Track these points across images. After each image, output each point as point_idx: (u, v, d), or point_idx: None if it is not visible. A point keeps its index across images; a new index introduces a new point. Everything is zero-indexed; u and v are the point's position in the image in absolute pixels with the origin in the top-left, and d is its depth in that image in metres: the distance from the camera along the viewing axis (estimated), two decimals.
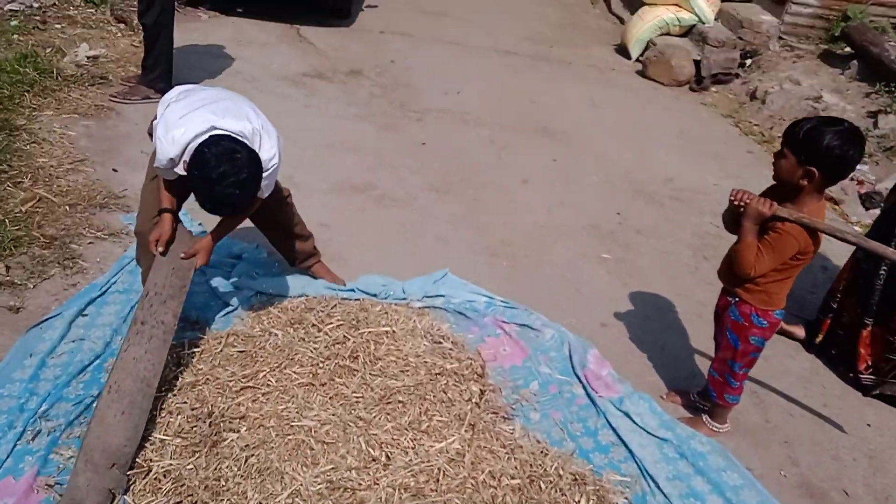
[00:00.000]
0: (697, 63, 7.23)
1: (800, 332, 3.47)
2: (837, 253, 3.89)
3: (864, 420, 3.01)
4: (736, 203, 2.41)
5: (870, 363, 3.16)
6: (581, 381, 2.96)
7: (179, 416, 2.40)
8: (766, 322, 2.54)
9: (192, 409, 2.43)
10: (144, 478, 2.19)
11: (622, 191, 4.75)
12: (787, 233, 2.35)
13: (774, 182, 2.47)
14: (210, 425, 2.36)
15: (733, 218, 2.54)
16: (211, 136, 2.34)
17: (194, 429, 2.36)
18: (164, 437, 2.31)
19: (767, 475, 2.66)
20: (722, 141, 5.78)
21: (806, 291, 3.75)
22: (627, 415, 2.79)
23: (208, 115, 2.40)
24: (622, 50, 7.89)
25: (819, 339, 3.37)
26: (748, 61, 7.45)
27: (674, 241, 4.16)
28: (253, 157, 2.36)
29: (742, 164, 5.39)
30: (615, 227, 4.29)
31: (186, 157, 2.37)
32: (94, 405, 2.35)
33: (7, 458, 2.20)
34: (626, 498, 2.45)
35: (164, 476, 2.20)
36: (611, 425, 2.75)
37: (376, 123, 5.13)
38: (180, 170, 2.41)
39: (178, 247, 2.61)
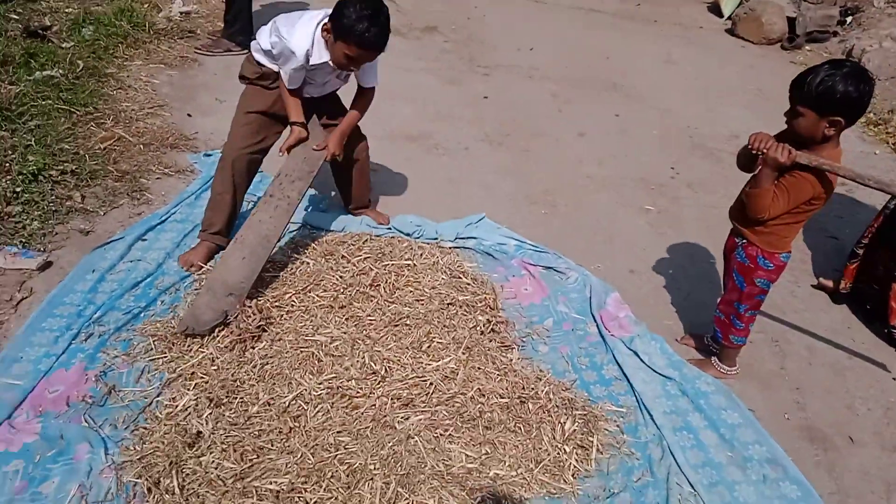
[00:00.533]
0: (792, 21, 6.90)
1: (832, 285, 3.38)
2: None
3: (890, 374, 2.93)
4: (754, 150, 2.40)
5: None
6: (595, 321, 3.04)
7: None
8: (772, 264, 2.54)
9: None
10: (175, 379, 2.48)
11: (682, 145, 4.69)
12: (803, 178, 2.32)
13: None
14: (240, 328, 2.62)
15: (748, 161, 2.53)
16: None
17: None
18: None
19: (769, 418, 2.66)
20: None
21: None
22: (636, 353, 2.86)
23: (312, 12, 2.81)
24: (715, 8, 7.63)
25: (844, 285, 3.28)
26: (849, 19, 7.04)
27: (723, 196, 4.09)
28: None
29: None
30: (666, 180, 4.27)
31: (314, 52, 2.73)
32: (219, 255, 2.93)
33: (62, 354, 2.55)
34: (617, 425, 2.54)
35: (192, 376, 2.48)
36: (616, 362, 2.83)
37: (442, 77, 5.27)
38: (316, 58, 2.74)
39: (311, 142, 3.03)
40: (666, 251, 3.59)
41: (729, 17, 7.30)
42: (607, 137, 4.71)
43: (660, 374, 2.79)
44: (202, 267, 3.02)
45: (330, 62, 2.78)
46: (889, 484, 2.47)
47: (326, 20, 2.71)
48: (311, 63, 2.76)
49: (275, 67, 2.90)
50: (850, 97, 2.19)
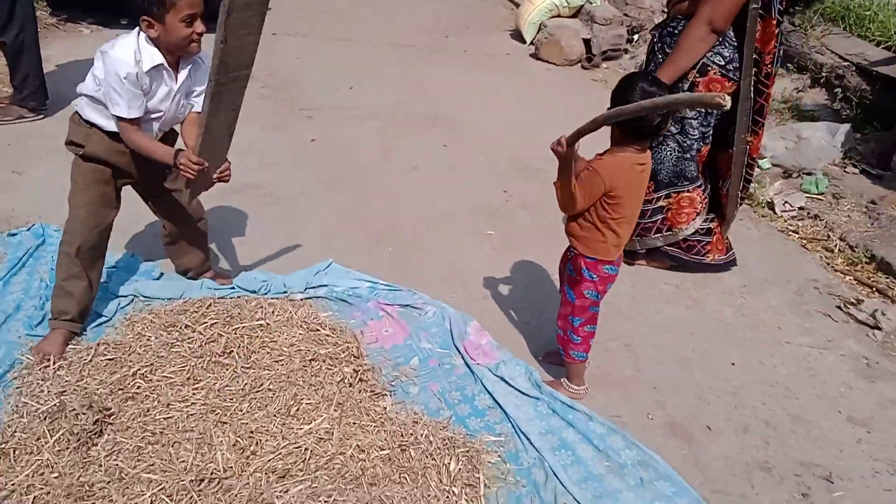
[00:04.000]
0: (588, 42, 7.43)
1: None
2: None
3: (728, 360, 3.17)
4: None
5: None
6: (460, 352, 3.03)
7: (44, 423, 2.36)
8: (596, 275, 2.65)
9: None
10: (8, 497, 2.16)
11: (509, 170, 4.86)
12: (594, 171, 2.46)
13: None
14: (74, 434, 2.34)
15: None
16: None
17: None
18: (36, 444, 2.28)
19: (635, 420, 2.78)
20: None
21: None
22: (503, 379, 2.88)
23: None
24: (517, 35, 8.03)
25: None
26: (635, 37, 7.69)
27: (556, 214, 4.26)
28: None
29: None
30: (501, 204, 4.40)
31: (142, 58, 2.47)
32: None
33: None
34: (499, 456, 2.53)
35: (28, 489, 2.17)
36: (487, 390, 2.83)
37: (263, 124, 5.12)
38: (148, 61, 2.48)
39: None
40: (512, 275, 3.68)
41: (531, 43, 7.72)
42: (439, 169, 4.78)
43: (527, 395, 2.82)
44: (61, 355, 2.71)
45: (165, 63, 2.54)
46: (748, 464, 2.65)
47: (141, 24, 2.46)
48: (144, 69, 2.48)
49: (109, 124, 2.62)
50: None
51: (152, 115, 2.67)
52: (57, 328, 2.77)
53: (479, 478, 2.37)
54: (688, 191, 3.53)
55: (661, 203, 3.58)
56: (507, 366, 2.95)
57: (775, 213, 4.49)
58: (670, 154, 3.46)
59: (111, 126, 2.62)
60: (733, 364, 3.14)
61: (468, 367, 2.96)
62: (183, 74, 2.67)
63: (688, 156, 3.45)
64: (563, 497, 2.38)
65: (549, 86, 6.73)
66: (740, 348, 3.25)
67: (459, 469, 2.37)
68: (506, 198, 4.48)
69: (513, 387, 2.84)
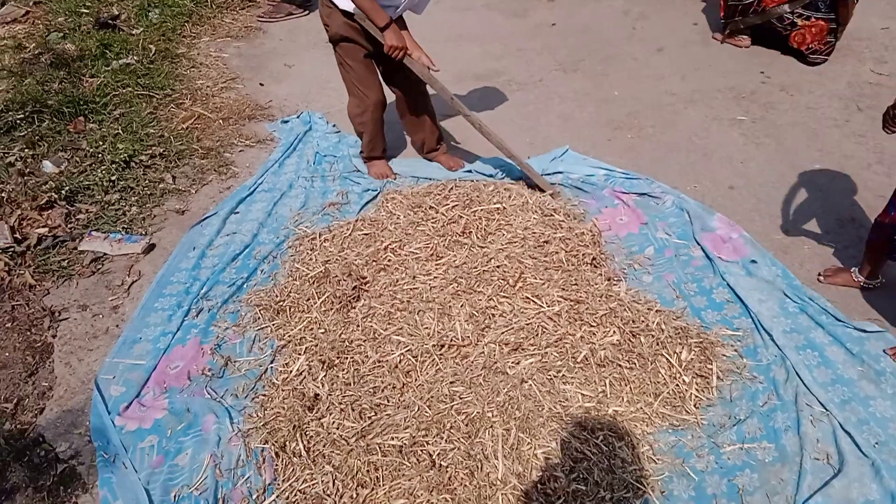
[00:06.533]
0: None
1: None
2: None
3: None
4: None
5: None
6: (699, 244, 2.91)
7: (313, 286, 2.71)
8: None
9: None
10: (285, 345, 2.54)
11: (766, 50, 4.38)
12: None
13: None
14: (337, 297, 2.65)
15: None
16: None
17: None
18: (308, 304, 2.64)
19: None
20: None
21: None
22: (751, 274, 2.73)
23: None
24: None
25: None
26: None
27: (822, 95, 3.81)
28: None
29: None
30: (757, 86, 4.01)
31: None
32: None
33: (178, 331, 2.64)
34: (735, 350, 2.44)
35: (301, 341, 2.53)
36: (728, 284, 2.71)
37: (505, 10, 5.09)
38: None
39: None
40: (765, 162, 3.39)
41: None
42: (687, 49, 4.45)
43: (779, 291, 2.65)
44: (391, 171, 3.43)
45: None
46: None
47: None
48: None
49: (344, 2, 2.84)
50: None
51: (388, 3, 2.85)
52: (376, 159, 3.45)
53: (711, 369, 2.31)
54: None
55: None
56: (763, 263, 2.78)
57: None
58: None
59: (344, 4, 2.83)
60: None
61: (708, 259, 2.84)
62: None
63: None
64: (805, 397, 2.25)
65: None
66: None
67: (691, 359, 2.33)
68: (762, 79, 4.06)
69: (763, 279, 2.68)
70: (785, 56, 4.27)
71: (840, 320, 2.53)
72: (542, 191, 3.16)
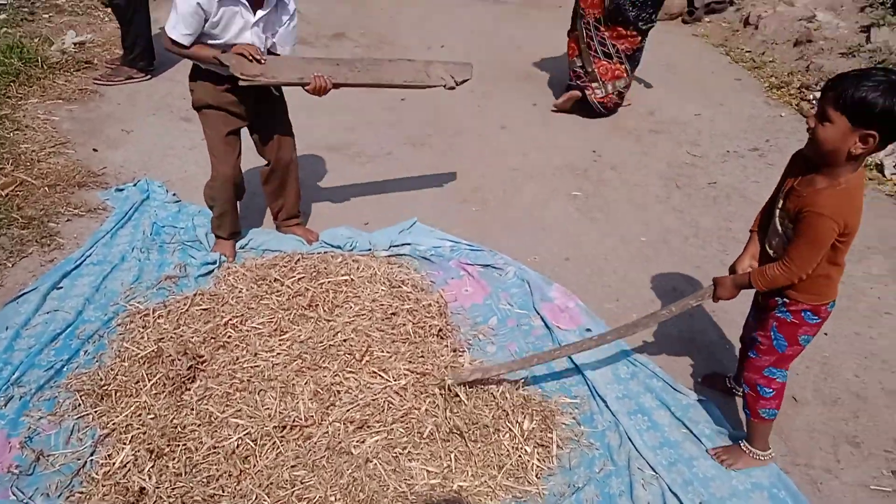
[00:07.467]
0: None
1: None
2: None
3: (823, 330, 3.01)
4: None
5: None
6: (539, 314, 3.03)
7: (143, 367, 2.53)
8: (819, 317, 2.17)
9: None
10: (109, 434, 2.34)
11: (602, 129, 4.74)
12: (818, 215, 1.93)
13: (805, 152, 2.03)
14: (169, 378, 2.49)
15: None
16: None
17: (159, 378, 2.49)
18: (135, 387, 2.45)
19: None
20: (709, 70, 5.67)
21: None
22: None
23: None
24: None
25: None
26: None
27: (647, 174, 4.16)
28: None
29: (727, 91, 5.30)
30: (590, 164, 4.30)
31: None
32: None
33: None
34: (573, 418, 2.53)
35: (127, 428, 2.34)
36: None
37: None
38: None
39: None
40: (597, 235, 3.62)
41: None
42: (528, 128, 4.72)
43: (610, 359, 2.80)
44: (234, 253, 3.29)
45: None
46: (834, 438, 2.53)
47: None
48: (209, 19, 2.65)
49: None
50: (892, 111, 1.79)
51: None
52: (224, 239, 3.28)
53: (552, 438, 2.38)
54: None
55: None
56: (595, 330, 2.92)
57: (884, 175, 4.19)
58: None
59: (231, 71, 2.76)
60: (826, 334, 2.98)
61: (548, 328, 2.95)
62: (263, 11, 2.77)
63: None
64: (637, 461, 2.36)
65: (649, 41, 6.46)
66: (834, 318, 3.06)
67: (533, 428, 2.39)
68: (594, 158, 4.37)
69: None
70: (615, 138, 4.63)
71: (668, 383, 2.69)
72: None
